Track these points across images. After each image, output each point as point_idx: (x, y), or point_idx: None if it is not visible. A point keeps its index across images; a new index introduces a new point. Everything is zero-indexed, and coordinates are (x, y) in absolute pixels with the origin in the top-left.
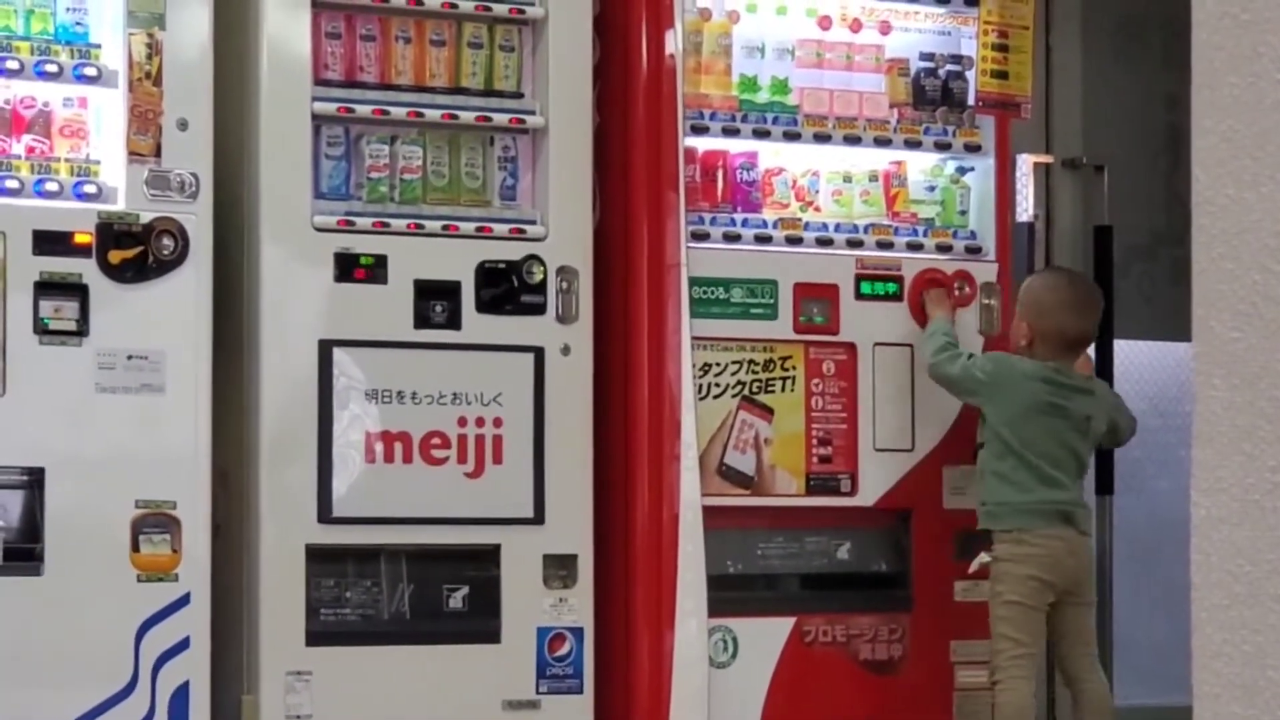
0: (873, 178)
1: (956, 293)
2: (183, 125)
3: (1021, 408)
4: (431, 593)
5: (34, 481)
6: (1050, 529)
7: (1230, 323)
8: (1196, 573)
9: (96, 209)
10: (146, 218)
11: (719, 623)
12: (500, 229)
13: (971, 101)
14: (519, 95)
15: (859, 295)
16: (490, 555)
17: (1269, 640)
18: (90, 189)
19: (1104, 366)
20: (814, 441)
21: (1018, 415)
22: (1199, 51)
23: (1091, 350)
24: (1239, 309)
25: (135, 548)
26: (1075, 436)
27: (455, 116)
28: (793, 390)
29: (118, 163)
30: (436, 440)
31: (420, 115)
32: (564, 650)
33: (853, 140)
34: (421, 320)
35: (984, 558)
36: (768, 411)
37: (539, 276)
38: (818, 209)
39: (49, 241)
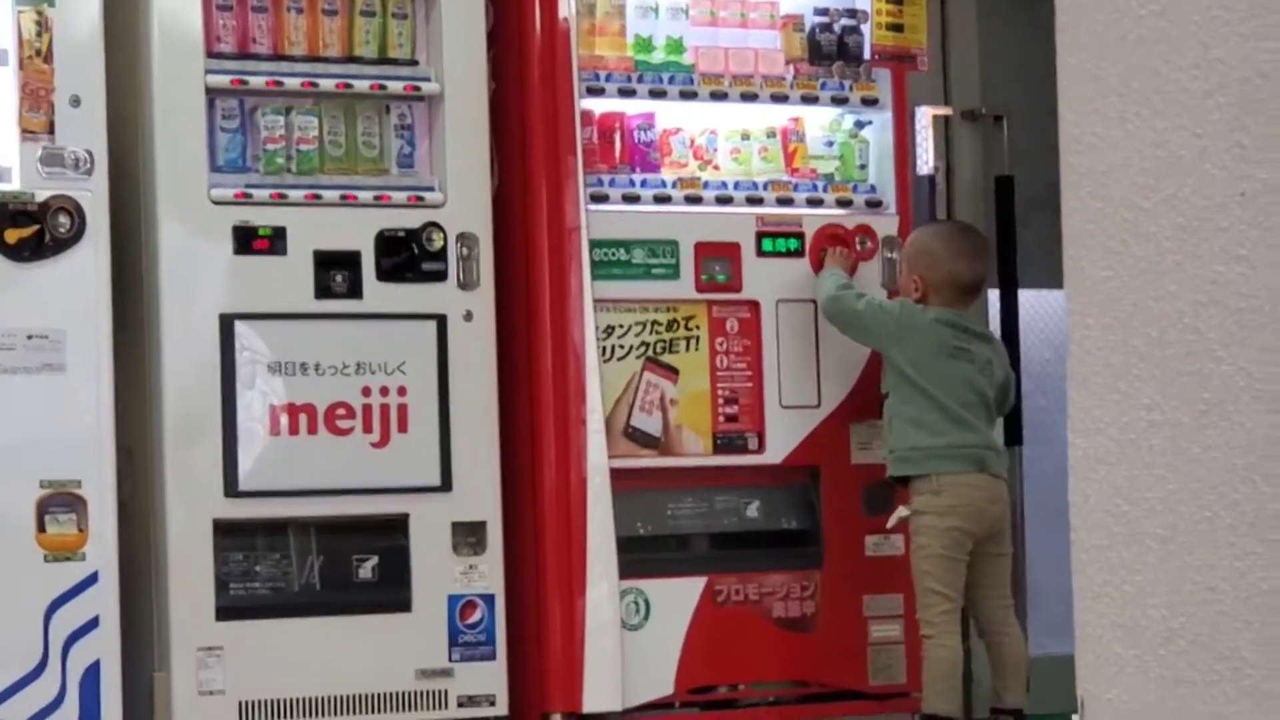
0: (771, 134)
1: (858, 247)
2: (75, 102)
3: (929, 352)
4: (341, 564)
5: None
6: (964, 474)
7: (1101, 262)
8: (1075, 514)
9: None
10: (42, 196)
11: (630, 585)
12: (398, 197)
13: (867, 55)
14: (413, 63)
15: (760, 252)
16: (399, 524)
17: (1149, 579)
18: None
19: (1009, 316)
20: (720, 400)
21: (926, 358)
22: None
23: (995, 300)
24: (1109, 247)
25: (41, 528)
26: (982, 380)
27: (350, 85)
28: (697, 350)
29: (11, 141)
30: (341, 411)
31: (315, 85)
32: (475, 617)
33: (749, 98)
34: (322, 291)
35: (902, 512)
36: (672, 372)
37: (439, 244)
38: (716, 167)
39: None
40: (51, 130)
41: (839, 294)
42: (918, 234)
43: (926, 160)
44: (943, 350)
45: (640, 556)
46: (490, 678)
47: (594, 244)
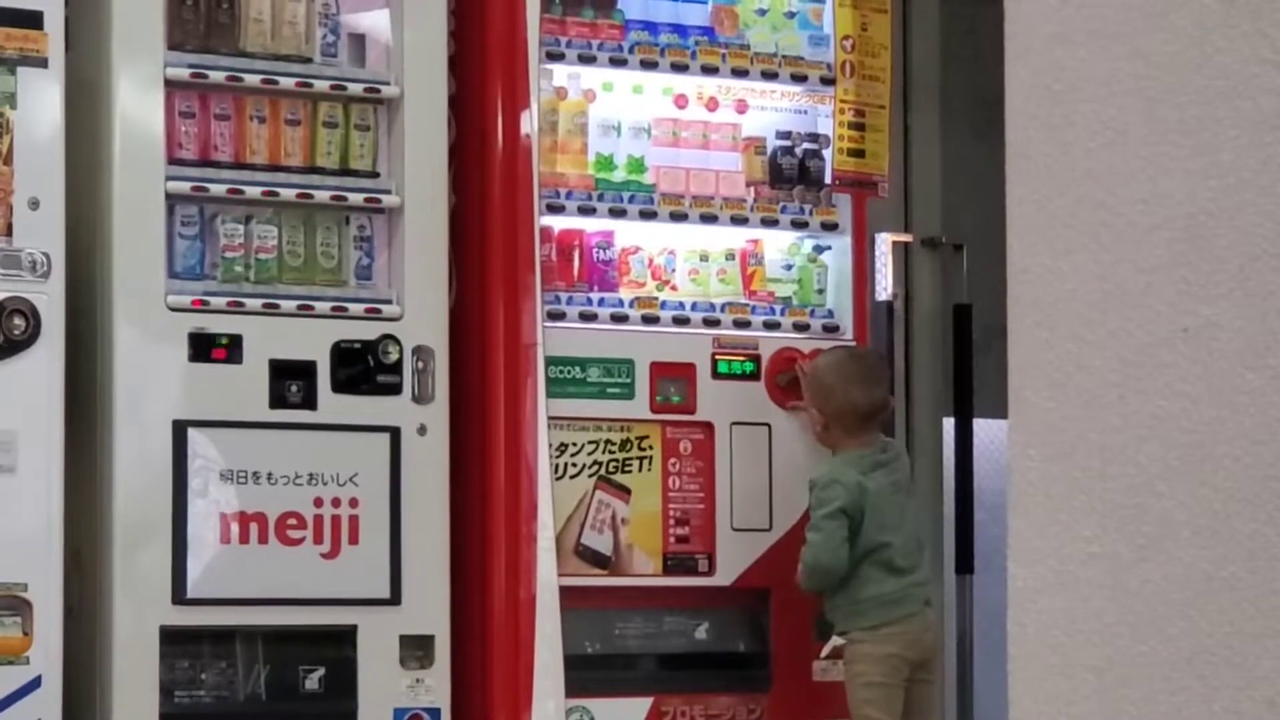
0: (729, 256)
1: None
2: (34, 204)
3: (874, 508)
4: (287, 674)
5: None
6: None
7: (1045, 393)
8: (1013, 644)
9: None
10: None
11: (576, 703)
12: (356, 309)
13: (828, 180)
14: (374, 174)
15: (716, 374)
16: (347, 636)
17: (1084, 711)
18: None
19: (964, 445)
20: (671, 521)
21: (872, 516)
22: (1013, 120)
23: (950, 428)
24: (1054, 378)
25: None
26: (912, 503)
27: (310, 196)
28: (650, 470)
29: None
30: (293, 521)
31: (275, 194)
32: None
33: (709, 219)
34: (277, 400)
35: (837, 640)
36: (625, 491)
37: (395, 356)
38: (674, 288)
39: None
40: (9, 232)
41: (811, 566)
42: (812, 365)
43: (885, 286)
44: (880, 496)
45: (587, 675)
46: None
47: (550, 361)
